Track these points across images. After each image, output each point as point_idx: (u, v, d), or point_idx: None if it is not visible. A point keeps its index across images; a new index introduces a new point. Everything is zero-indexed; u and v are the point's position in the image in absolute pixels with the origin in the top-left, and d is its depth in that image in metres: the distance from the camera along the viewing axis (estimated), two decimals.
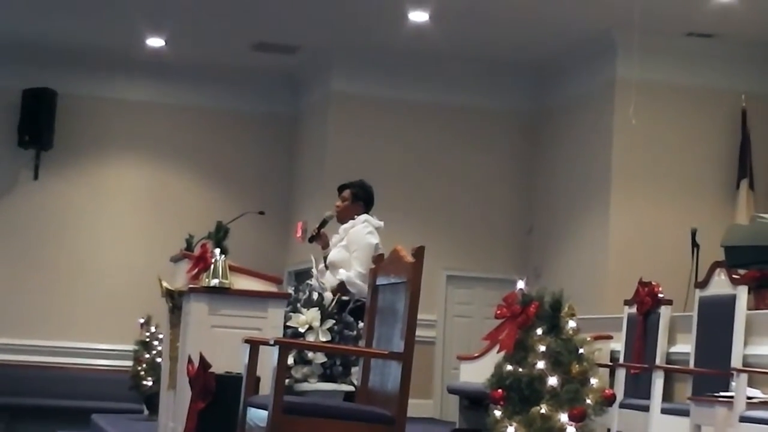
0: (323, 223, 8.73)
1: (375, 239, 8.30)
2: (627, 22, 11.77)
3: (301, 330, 7.23)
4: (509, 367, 4.45)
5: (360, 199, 8.66)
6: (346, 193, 8.70)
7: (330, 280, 8.20)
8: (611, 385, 8.49)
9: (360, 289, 7.89)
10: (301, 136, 15.27)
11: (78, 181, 14.91)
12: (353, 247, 8.28)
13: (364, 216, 8.55)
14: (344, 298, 7.83)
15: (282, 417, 4.85)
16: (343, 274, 8.22)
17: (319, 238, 8.65)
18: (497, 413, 4.42)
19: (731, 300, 7.90)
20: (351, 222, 8.49)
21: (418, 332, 5.10)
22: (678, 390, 8.60)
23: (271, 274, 7.30)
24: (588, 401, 4.36)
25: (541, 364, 4.39)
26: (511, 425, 4.33)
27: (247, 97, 15.30)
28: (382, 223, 8.52)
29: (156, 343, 11.51)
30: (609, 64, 12.69)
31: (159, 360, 10.39)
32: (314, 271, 8.37)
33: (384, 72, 14.13)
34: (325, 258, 8.51)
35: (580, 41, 12.88)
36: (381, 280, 5.50)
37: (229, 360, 6.30)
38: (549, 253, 13.75)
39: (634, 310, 9.15)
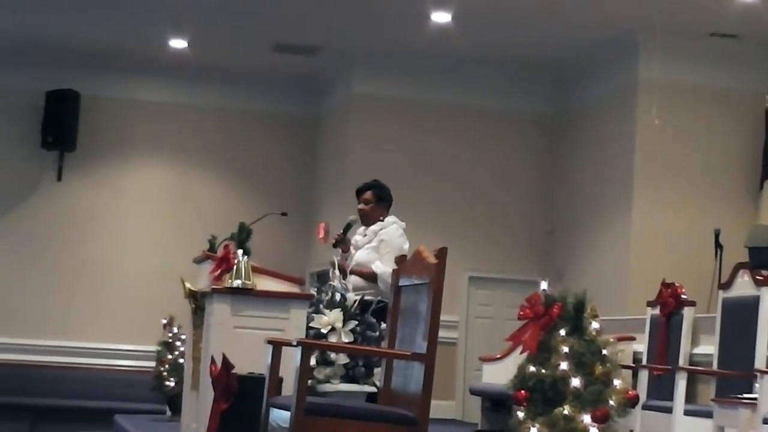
0: (348, 227, 8.70)
1: (406, 244, 8.29)
2: (649, 23, 11.73)
3: (324, 331, 7.23)
4: (532, 368, 4.44)
5: (383, 199, 8.65)
6: (369, 194, 8.66)
7: (356, 280, 8.20)
8: (634, 387, 8.47)
9: (385, 289, 7.89)
10: (322, 138, 15.28)
11: (101, 182, 14.96)
12: (385, 249, 8.28)
13: (393, 218, 8.55)
14: (367, 297, 7.83)
15: (304, 418, 4.85)
16: (379, 266, 8.22)
17: (343, 242, 8.62)
18: (520, 414, 4.42)
19: (755, 301, 7.86)
20: (379, 224, 8.49)
21: (441, 333, 5.10)
22: (701, 392, 8.57)
23: (294, 275, 7.31)
24: (611, 402, 4.35)
25: (564, 365, 4.38)
26: (534, 426, 4.32)
27: (269, 99, 15.32)
28: (404, 224, 8.54)
29: (179, 343, 11.53)
30: (631, 66, 12.65)
31: (182, 361, 10.41)
32: (336, 272, 8.37)
33: (406, 74, 14.12)
34: (341, 265, 8.47)
35: (602, 42, 12.85)
36: (404, 281, 5.50)
37: (251, 361, 6.30)
38: (571, 254, 13.72)
39: (657, 311, 9.13)
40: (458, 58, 13.82)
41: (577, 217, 13.70)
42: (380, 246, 8.35)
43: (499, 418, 10.82)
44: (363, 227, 8.71)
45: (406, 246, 8.26)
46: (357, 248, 8.61)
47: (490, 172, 14.32)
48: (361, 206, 8.66)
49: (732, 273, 8.31)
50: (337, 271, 8.39)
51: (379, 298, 7.94)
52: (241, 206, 14.26)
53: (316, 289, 7.77)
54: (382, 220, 8.57)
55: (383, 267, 8.20)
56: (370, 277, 8.28)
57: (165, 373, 11.66)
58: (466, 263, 13.78)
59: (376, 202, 8.63)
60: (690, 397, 8.22)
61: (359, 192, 8.74)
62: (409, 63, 14.01)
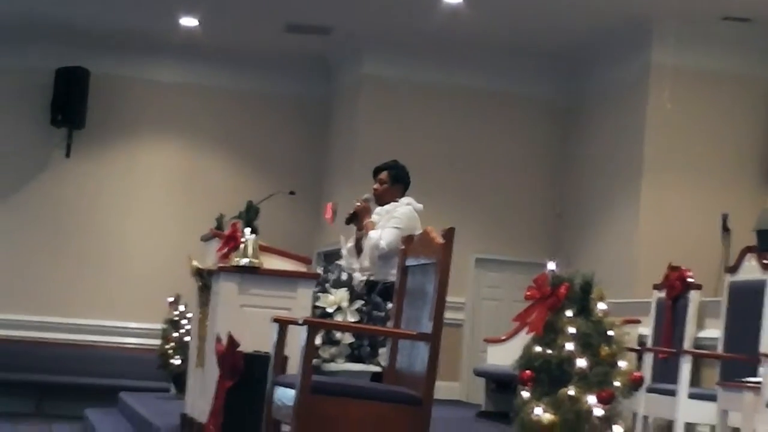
0: (364, 202, 8.60)
1: (418, 225, 8.15)
2: (662, 8, 11.71)
3: (330, 310, 7.25)
4: (538, 349, 4.44)
5: (399, 180, 8.52)
6: (384, 175, 8.56)
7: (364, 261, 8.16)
8: (639, 370, 8.46)
9: (370, 255, 7.88)
10: (332, 119, 15.27)
11: (110, 160, 14.98)
12: (390, 223, 8.17)
13: (407, 198, 8.43)
14: (373, 278, 7.82)
15: (309, 396, 4.86)
16: (374, 232, 8.12)
17: (356, 218, 8.50)
18: (525, 394, 4.41)
19: (761, 285, 7.84)
20: (393, 204, 8.40)
21: (447, 314, 5.09)
22: (706, 375, 8.56)
23: (301, 255, 7.31)
24: (616, 384, 4.35)
25: (570, 346, 4.38)
26: (539, 406, 4.32)
27: (280, 79, 15.32)
28: (421, 206, 8.44)
29: (185, 322, 11.55)
30: (644, 51, 12.62)
31: (187, 339, 10.42)
32: (343, 251, 8.34)
33: (416, 56, 14.11)
34: (359, 240, 8.42)
35: (615, 27, 12.81)
36: (410, 261, 5.50)
37: (257, 339, 6.31)
38: (579, 237, 13.71)
39: (663, 294, 9.11)
40: (469, 41, 13.79)
41: (585, 200, 13.69)
42: (388, 220, 8.27)
43: (504, 399, 10.83)
44: (377, 207, 8.62)
45: (418, 229, 8.15)
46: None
47: (499, 156, 14.31)
48: (375, 186, 8.57)
49: (739, 257, 8.29)
50: (344, 251, 8.37)
51: (386, 279, 7.91)
52: (249, 185, 14.26)
53: (323, 269, 7.78)
54: (397, 201, 8.48)
55: (377, 234, 8.12)
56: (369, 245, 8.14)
57: (170, 351, 11.70)
58: (473, 245, 13.79)
59: (392, 182, 8.52)
60: (695, 380, 8.21)
61: (376, 171, 8.65)
62: (420, 45, 13.99)
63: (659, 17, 12.08)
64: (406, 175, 8.61)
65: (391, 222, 8.19)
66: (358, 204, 8.43)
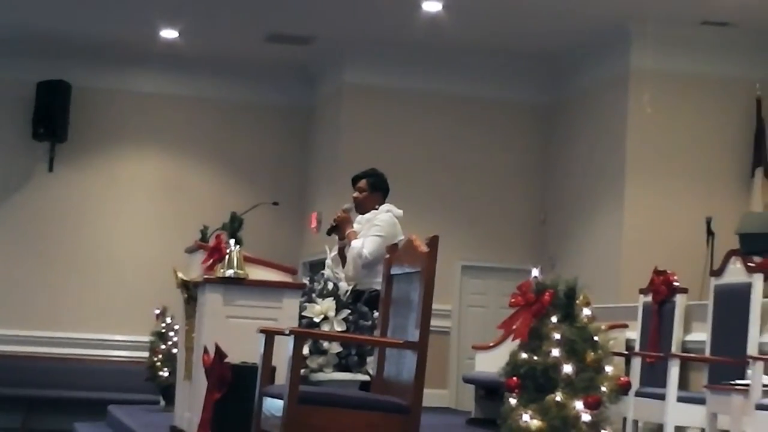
0: (345, 212, 8.62)
1: (400, 233, 8.17)
2: (641, 12, 11.75)
3: (317, 320, 7.23)
4: (524, 356, 4.45)
5: (378, 188, 8.54)
6: (363, 183, 8.57)
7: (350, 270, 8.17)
8: (627, 374, 8.47)
9: (352, 264, 7.90)
10: (315, 128, 15.27)
11: (93, 173, 14.95)
12: (372, 231, 8.18)
13: (387, 206, 8.44)
14: (358, 287, 7.82)
15: (298, 407, 4.86)
16: (356, 242, 8.13)
17: (338, 229, 8.51)
18: (512, 401, 4.42)
19: (747, 288, 7.87)
20: (373, 212, 8.40)
21: (433, 322, 5.09)
22: (694, 378, 8.58)
23: (286, 265, 7.31)
24: (603, 389, 4.35)
25: (555, 352, 4.38)
26: (526, 413, 4.33)
27: (262, 89, 15.31)
28: (401, 212, 8.46)
29: (172, 334, 11.51)
30: (624, 54, 12.65)
31: (175, 351, 10.40)
32: (328, 260, 8.33)
33: (398, 63, 14.12)
34: (341, 249, 8.43)
35: (595, 31, 12.85)
36: (395, 270, 5.50)
37: (244, 350, 6.30)
38: (564, 243, 13.74)
39: (649, 298, 9.13)
40: (449, 47, 13.82)
41: (569, 205, 13.72)
42: (369, 229, 8.27)
43: (493, 406, 10.82)
44: (358, 216, 8.63)
45: (400, 236, 8.16)
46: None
47: (482, 161, 14.32)
48: (355, 194, 8.59)
49: (724, 260, 8.32)
50: (329, 260, 8.37)
51: (371, 287, 7.91)
52: (233, 196, 14.26)
53: (308, 279, 7.78)
54: (377, 209, 8.50)
55: (360, 243, 8.13)
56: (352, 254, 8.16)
57: (158, 364, 11.65)
58: (458, 252, 13.80)
59: (371, 190, 8.54)
60: (683, 384, 8.23)
61: (354, 180, 8.66)
62: (401, 53, 14.00)
63: (638, 21, 12.13)
64: (385, 183, 8.62)
65: (372, 230, 8.20)
66: (339, 215, 8.44)
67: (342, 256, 8.36)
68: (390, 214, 8.34)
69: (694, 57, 12.67)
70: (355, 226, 8.45)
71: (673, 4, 11.80)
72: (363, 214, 8.47)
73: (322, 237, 9.06)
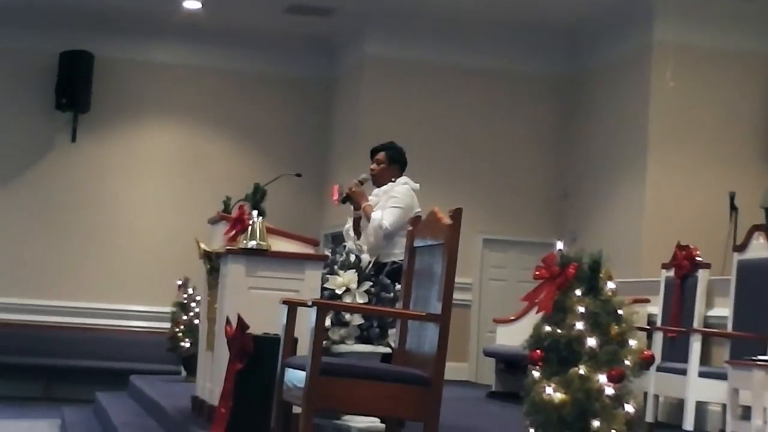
0: (360, 184, 8.63)
1: (417, 207, 8.19)
2: None
3: (339, 292, 7.22)
4: (548, 328, 4.43)
5: (396, 161, 8.54)
6: (381, 155, 8.57)
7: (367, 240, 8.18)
8: (649, 349, 8.47)
9: (373, 235, 7.91)
10: (335, 100, 15.26)
11: (115, 143, 14.98)
12: (391, 202, 8.18)
13: (404, 178, 8.45)
14: (381, 260, 7.81)
15: (319, 378, 4.87)
16: (377, 213, 8.14)
17: (351, 199, 8.51)
18: (535, 374, 4.41)
19: None
20: (390, 184, 8.41)
21: (455, 295, 5.09)
22: (715, 354, 8.58)
23: (308, 237, 7.30)
24: (626, 362, 4.34)
25: (579, 326, 4.37)
26: (549, 386, 4.32)
27: (282, 61, 15.30)
28: (418, 185, 8.47)
29: (194, 304, 11.56)
30: (646, 27, 12.59)
31: (196, 322, 10.44)
32: (347, 233, 8.35)
33: (418, 36, 14.09)
34: (356, 220, 8.44)
35: (617, 4, 12.79)
36: (418, 242, 5.50)
37: (266, 321, 6.30)
38: (585, 217, 13.70)
39: (671, 273, 9.12)
40: (471, 19, 13.77)
41: (591, 180, 13.68)
42: (387, 201, 8.28)
43: (513, 379, 10.85)
44: (375, 189, 8.63)
45: (417, 208, 8.17)
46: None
47: (504, 135, 14.30)
48: (372, 166, 8.59)
49: (747, 235, 8.29)
50: (349, 225, 8.39)
51: (393, 259, 7.92)
52: (254, 168, 14.27)
53: (330, 250, 7.76)
54: (393, 182, 8.50)
55: (379, 215, 8.14)
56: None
57: (180, 334, 11.71)
58: (480, 225, 13.79)
59: (389, 163, 8.54)
60: (704, 359, 8.23)
61: (373, 152, 8.67)
62: (422, 25, 13.97)
63: None
64: (403, 156, 8.61)
65: (390, 202, 8.20)
66: (353, 187, 8.45)
67: (356, 227, 8.38)
68: (407, 186, 8.34)
69: (717, 31, 12.58)
70: (372, 198, 8.45)
71: None
72: (380, 186, 8.47)
73: (344, 209, 9.05)
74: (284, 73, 15.37)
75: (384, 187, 8.43)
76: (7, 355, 13.97)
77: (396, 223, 7.96)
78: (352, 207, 8.51)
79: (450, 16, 13.67)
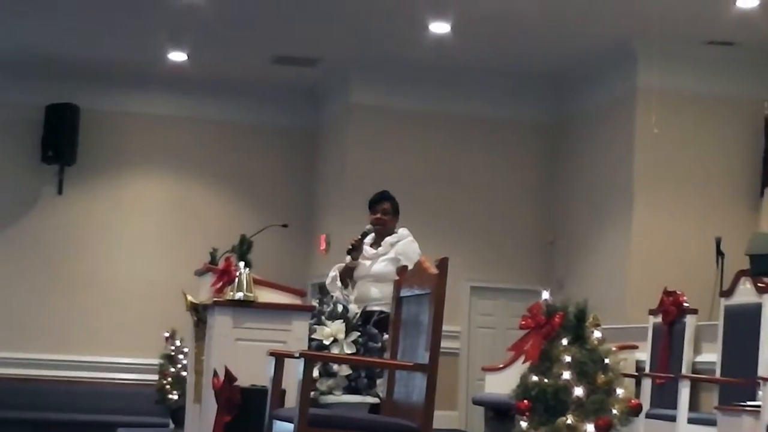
0: (364, 235, 8.70)
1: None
2: (647, 31, 11.75)
3: (326, 342, 7.23)
4: (534, 378, 4.44)
5: (397, 212, 8.73)
6: (387, 205, 8.70)
7: (373, 292, 8.21)
8: (637, 396, 8.46)
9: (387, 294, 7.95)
10: (321, 149, 15.28)
11: (102, 195, 14.96)
12: (414, 257, 8.24)
13: (406, 230, 8.57)
14: (371, 308, 7.82)
15: (308, 429, 4.85)
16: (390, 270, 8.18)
17: (357, 250, 8.57)
18: (523, 424, 4.41)
19: (757, 309, 7.86)
20: (395, 236, 8.52)
21: (443, 344, 5.09)
22: (704, 400, 8.56)
23: (295, 287, 7.31)
24: (614, 411, 4.34)
25: (566, 375, 4.38)
26: None
27: (268, 111, 15.33)
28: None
29: (181, 356, 11.53)
30: (630, 74, 12.65)
31: (184, 373, 10.41)
32: (328, 280, 8.39)
33: (404, 84, 14.12)
34: (348, 269, 8.47)
35: (601, 51, 12.85)
36: (405, 292, 5.50)
37: (254, 373, 6.30)
38: (572, 263, 13.71)
39: (659, 319, 9.12)
40: (457, 67, 13.82)
41: (577, 225, 13.70)
42: (401, 260, 8.32)
43: (503, 427, 10.79)
44: (370, 238, 8.67)
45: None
46: (365, 259, 8.58)
47: (489, 182, 14.31)
48: (379, 216, 8.66)
49: (734, 280, 8.31)
50: (338, 281, 8.40)
51: (380, 309, 7.92)
52: (241, 218, 14.25)
53: (317, 301, 7.77)
54: (396, 232, 8.60)
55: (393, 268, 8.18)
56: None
57: (168, 386, 11.67)
58: (467, 273, 13.77)
59: (393, 213, 8.69)
60: (693, 405, 8.21)
61: (376, 202, 8.73)
62: (408, 73, 14.01)
63: (644, 41, 12.12)
64: (398, 206, 8.77)
65: (411, 256, 8.24)
66: (356, 239, 8.53)
67: (346, 275, 8.43)
68: (411, 238, 8.49)
69: (700, 76, 12.66)
70: (368, 249, 8.51)
71: (678, 24, 11.80)
72: (384, 236, 8.56)
73: (331, 258, 9.09)
74: (270, 123, 15.39)
75: (389, 239, 8.53)
76: None
77: None
78: (349, 257, 8.56)
79: (434, 64, 13.72)
